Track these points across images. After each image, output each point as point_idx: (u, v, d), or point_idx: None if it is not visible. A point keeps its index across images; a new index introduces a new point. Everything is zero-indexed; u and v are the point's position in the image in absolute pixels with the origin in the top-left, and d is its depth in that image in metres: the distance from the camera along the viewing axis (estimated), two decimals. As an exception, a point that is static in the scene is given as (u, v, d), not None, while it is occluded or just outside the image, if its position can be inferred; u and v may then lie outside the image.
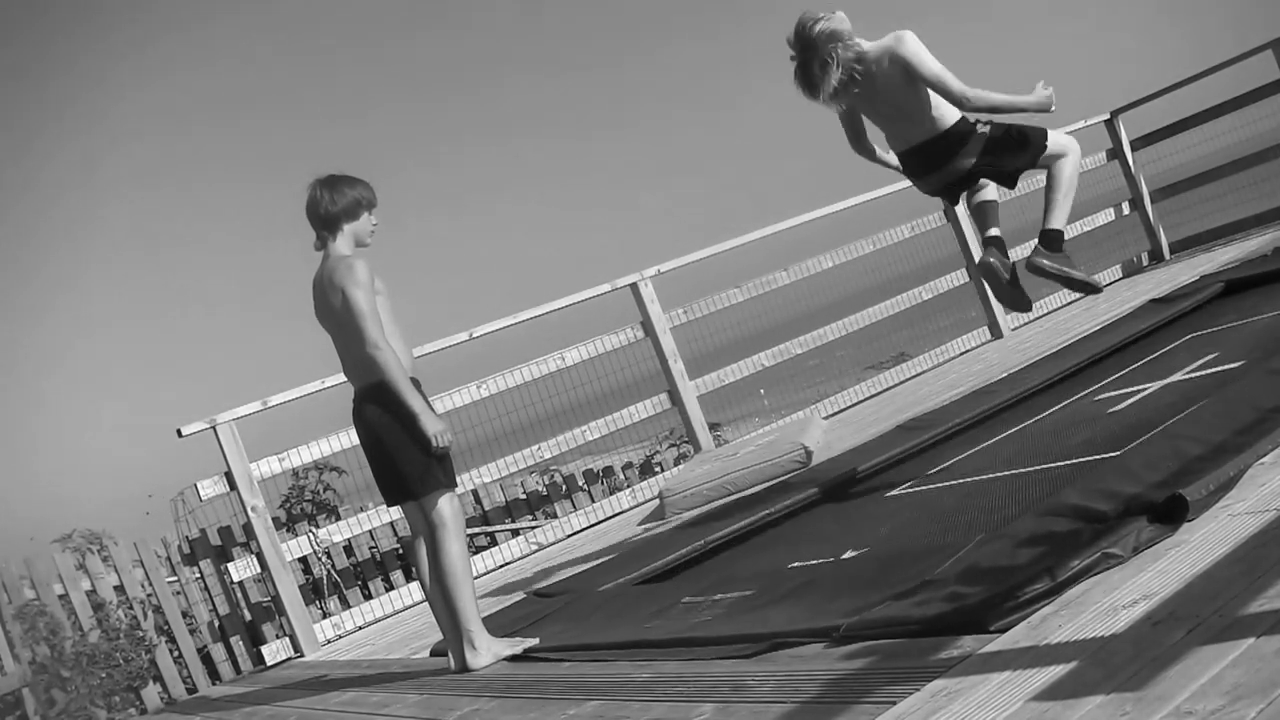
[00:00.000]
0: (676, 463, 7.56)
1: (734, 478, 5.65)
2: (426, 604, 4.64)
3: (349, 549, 6.66)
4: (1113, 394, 4.75)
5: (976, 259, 8.07)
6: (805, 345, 7.39)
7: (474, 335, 6.49)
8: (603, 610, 3.90)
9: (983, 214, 4.53)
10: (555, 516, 7.03)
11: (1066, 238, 4.32)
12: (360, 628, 5.86)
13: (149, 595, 6.15)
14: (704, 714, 2.49)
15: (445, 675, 3.83)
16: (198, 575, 6.32)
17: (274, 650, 5.75)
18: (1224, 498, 2.69)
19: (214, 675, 6.23)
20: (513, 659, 3.72)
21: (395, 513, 6.01)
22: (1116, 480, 2.96)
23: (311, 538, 5.97)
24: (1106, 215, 9.02)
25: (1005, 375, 6.12)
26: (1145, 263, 9.07)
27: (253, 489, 5.65)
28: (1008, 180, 4.32)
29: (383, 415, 3.74)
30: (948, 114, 4.21)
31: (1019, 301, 4.49)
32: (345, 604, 6.39)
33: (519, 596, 4.84)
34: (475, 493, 6.95)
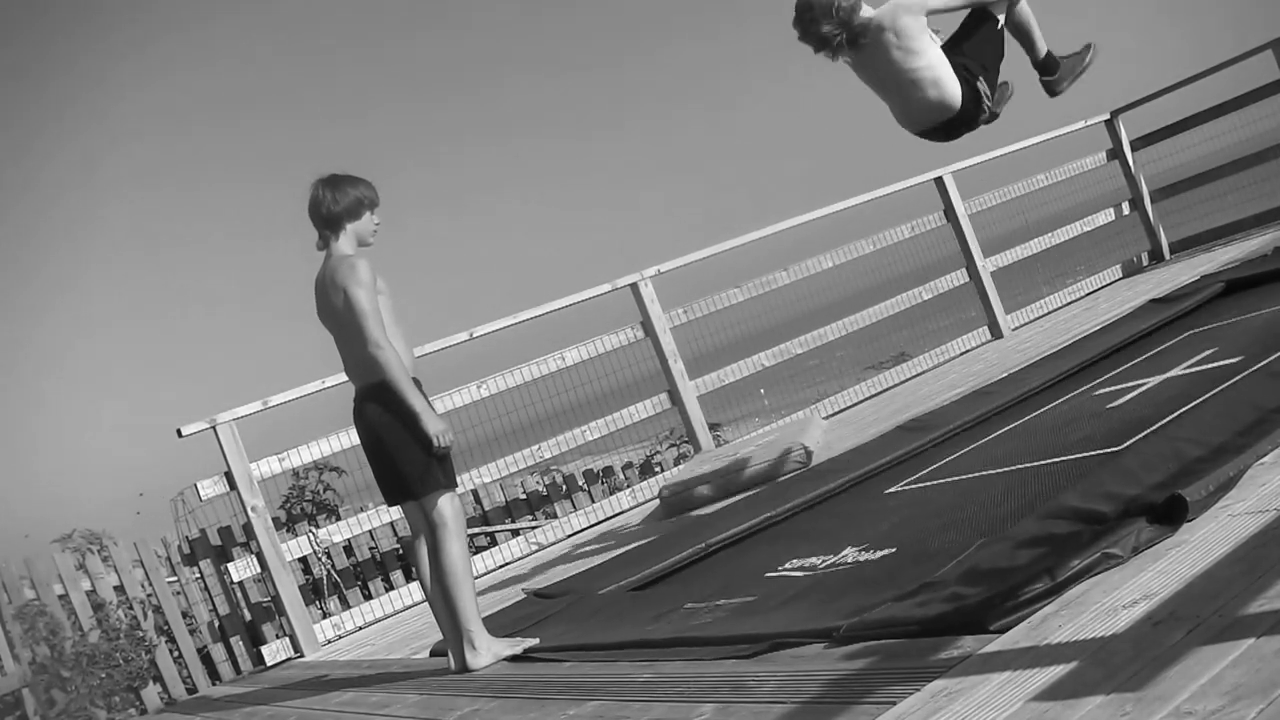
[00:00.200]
0: (676, 463, 7.56)
1: (734, 478, 5.65)
2: (426, 604, 4.64)
3: (349, 549, 6.66)
4: (1112, 389, 4.75)
5: (977, 259, 8.09)
6: (805, 345, 7.39)
7: (474, 335, 6.49)
8: (603, 614, 3.90)
9: (1021, 32, 4.67)
10: (555, 516, 7.03)
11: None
12: (360, 628, 5.86)
13: (149, 595, 6.15)
14: (704, 714, 2.49)
15: (445, 675, 3.84)
16: (198, 575, 6.31)
17: (274, 650, 5.75)
18: (1224, 498, 2.69)
19: (214, 675, 6.23)
20: (513, 659, 3.73)
21: (395, 513, 6.01)
22: (1116, 482, 2.96)
23: (311, 538, 5.97)
24: (1107, 215, 9.02)
25: (1005, 375, 6.12)
26: (1145, 263, 9.06)
27: (253, 489, 5.66)
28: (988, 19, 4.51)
29: (384, 415, 3.74)
30: (950, 89, 4.32)
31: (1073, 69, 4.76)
32: (345, 604, 6.39)
33: (519, 596, 4.84)
34: (475, 493, 6.95)
